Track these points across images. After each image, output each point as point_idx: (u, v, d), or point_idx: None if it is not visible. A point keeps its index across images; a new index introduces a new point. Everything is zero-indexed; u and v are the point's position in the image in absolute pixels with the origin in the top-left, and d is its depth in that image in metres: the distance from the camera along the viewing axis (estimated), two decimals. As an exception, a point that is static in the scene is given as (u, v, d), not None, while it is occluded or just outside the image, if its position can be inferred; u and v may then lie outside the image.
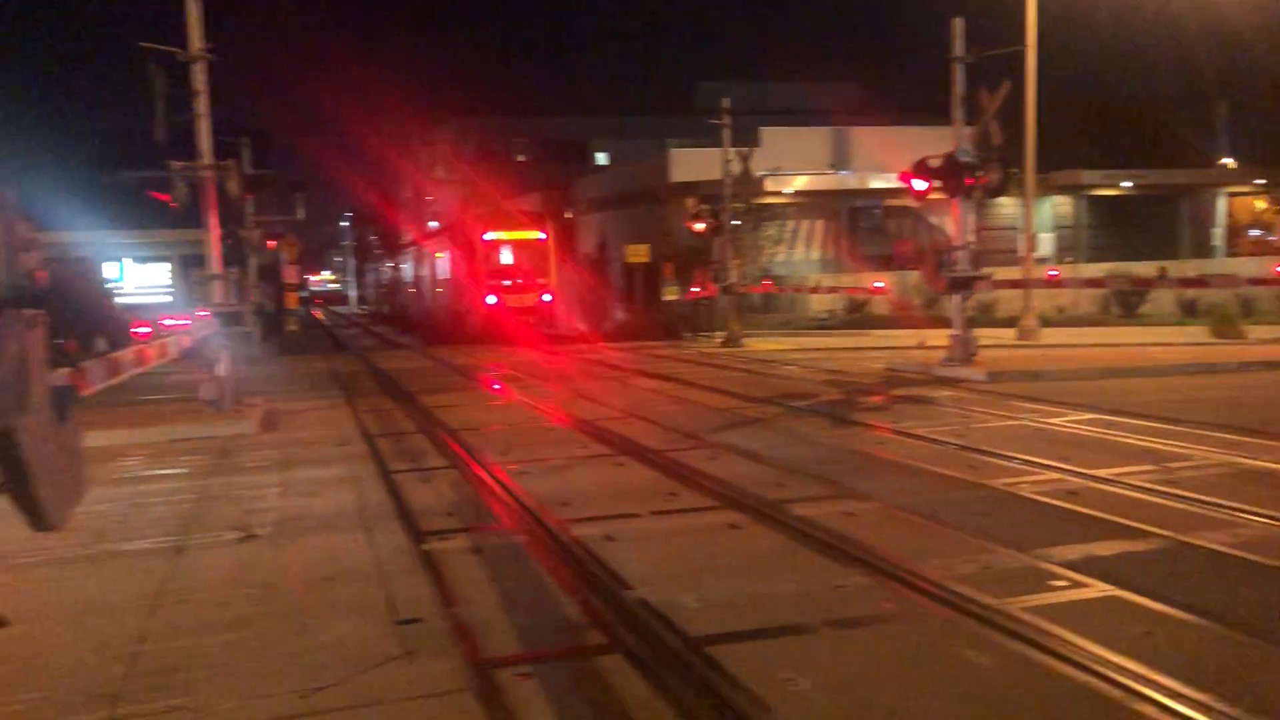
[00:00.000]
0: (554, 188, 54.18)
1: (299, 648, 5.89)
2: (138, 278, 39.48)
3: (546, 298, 33.44)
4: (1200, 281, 29.52)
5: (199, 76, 15.62)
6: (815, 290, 32.10)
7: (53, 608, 6.69)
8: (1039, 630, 5.68)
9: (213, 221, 16.02)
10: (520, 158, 74.74)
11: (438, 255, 40.03)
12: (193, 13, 15.46)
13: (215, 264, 15.99)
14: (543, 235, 34.36)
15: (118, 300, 34.51)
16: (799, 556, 7.46)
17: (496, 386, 19.95)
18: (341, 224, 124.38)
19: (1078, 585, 6.52)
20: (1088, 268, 35.84)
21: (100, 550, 8.20)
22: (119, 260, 38.92)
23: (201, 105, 15.66)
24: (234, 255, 19.09)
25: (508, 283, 32.78)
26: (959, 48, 19.07)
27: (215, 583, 7.24)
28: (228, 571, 7.53)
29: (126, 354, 11.01)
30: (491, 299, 32.29)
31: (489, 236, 33.46)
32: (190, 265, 32.18)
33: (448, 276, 37.58)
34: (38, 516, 2.29)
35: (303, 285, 54.25)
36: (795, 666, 5.36)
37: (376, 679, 5.37)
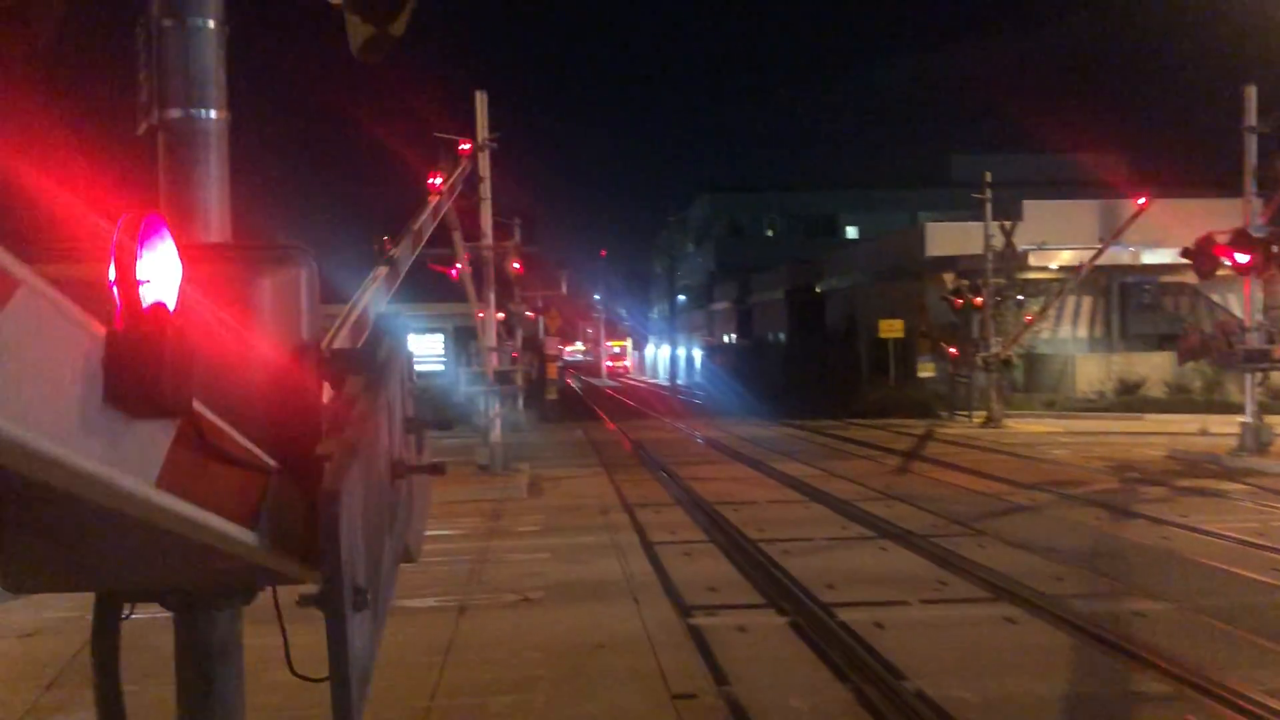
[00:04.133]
0: (802, 261, 54.31)
1: (581, 713, 6.10)
2: (417, 347, 42.55)
3: (626, 364, 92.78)
4: None
5: (484, 163, 16.81)
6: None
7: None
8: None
9: (491, 296, 17.06)
10: (769, 232, 75.56)
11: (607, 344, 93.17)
12: (480, 107, 16.71)
13: (492, 337, 16.99)
14: (628, 342, 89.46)
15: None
16: (1084, 656, 7.07)
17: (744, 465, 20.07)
18: (595, 297, 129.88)
19: None
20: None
21: (392, 606, 8.76)
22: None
23: (485, 189, 16.82)
24: (505, 327, 20.24)
25: (614, 361, 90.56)
26: (1252, 116, 17.92)
27: (497, 643, 7.61)
28: (508, 633, 7.90)
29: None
30: (609, 364, 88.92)
31: (609, 342, 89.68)
32: (462, 337, 34.29)
33: (607, 358, 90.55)
34: (412, 550, 2.60)
35: (559, 355, 56.89)
36: (1091, 776, 5.09)
37: (658, 751, 5.49)
